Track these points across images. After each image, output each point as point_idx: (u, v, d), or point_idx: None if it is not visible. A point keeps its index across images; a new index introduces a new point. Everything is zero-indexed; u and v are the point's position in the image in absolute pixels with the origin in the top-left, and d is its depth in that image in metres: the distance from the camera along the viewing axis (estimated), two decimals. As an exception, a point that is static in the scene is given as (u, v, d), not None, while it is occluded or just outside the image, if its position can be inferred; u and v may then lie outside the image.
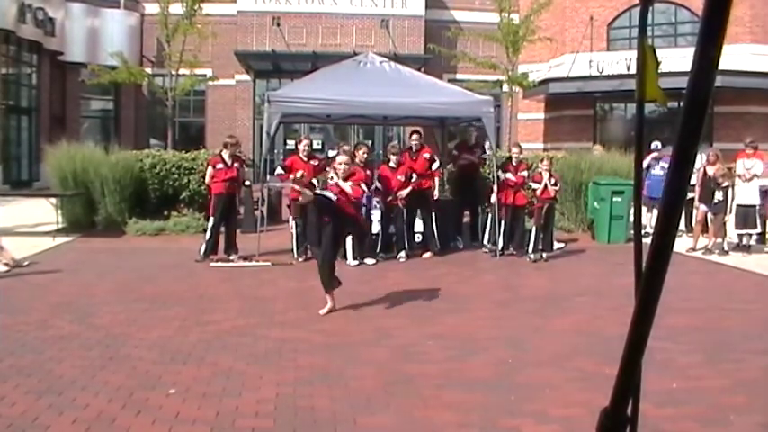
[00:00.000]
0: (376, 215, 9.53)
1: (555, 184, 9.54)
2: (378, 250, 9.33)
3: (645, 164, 11.43)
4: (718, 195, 10.09)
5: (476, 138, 10.93)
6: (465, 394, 4.19)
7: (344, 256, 8.88)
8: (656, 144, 12.06)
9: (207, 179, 9.10)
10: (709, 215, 10.29)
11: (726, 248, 10.20)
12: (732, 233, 10.56)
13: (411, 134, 10.78)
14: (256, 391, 4.17)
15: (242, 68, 22.44)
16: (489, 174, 10.23)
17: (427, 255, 9.55)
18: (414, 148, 9.90)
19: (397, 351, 5.10)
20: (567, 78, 21.40)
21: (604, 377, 3.93)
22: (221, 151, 9.16)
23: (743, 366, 4.85)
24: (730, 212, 10.24)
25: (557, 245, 10.15)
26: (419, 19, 22.85)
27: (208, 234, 8.93)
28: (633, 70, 0.73)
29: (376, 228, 9.51)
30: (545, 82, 21.01)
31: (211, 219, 8.93)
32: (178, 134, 19.44)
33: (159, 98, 18.43)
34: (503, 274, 8.73)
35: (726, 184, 10.07)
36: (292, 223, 9.33)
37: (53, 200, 11.12)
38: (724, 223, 10.21)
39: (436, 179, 9.93)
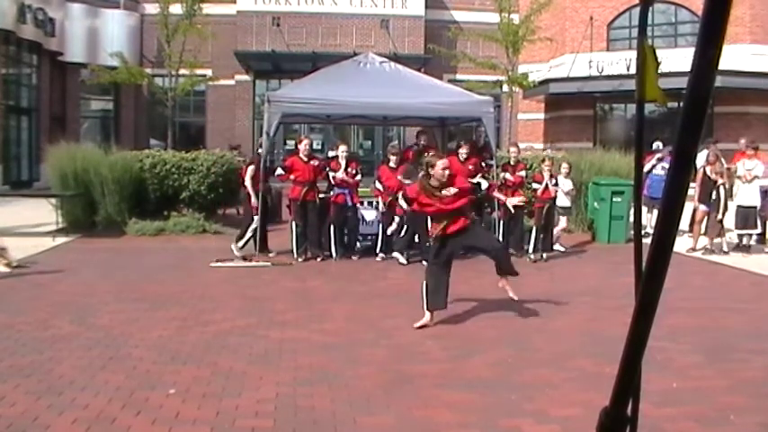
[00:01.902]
0: (374, 215, 9.54)
1: (556, 184, 9.56)
2: (378, 250, 9.33)
3: (647, 167, 11.36)
4: (714, 194, 10.11)
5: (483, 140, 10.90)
6: (465, 394, 4.19)
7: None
8: (657, 144, 12.04)
9: (248, 182, 9.24)
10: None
11: (725, 249, 10.20)
12: (732, 233, 10.56)
13: (418, 134, 10.76)
14: (256, 391, 4.17)
15: (242, 68, 22.44)
16: (490, 175, 10.20)
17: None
18: (421, 148, 9.95)
19: (397, 351, 5.10)
20: (567, 78, 21.41)
21: (604, 377, 3.94)
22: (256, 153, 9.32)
23: (743, 366, 4.85)
24: (726, 211, 10.22)
25: (559, 247, 10.14)
26: (419, 19, 22.86)
27: (250, 233, 9.19)
28: (633, 70, 0.73)
29: (375, 228, 9.52)
30: (545, 82, 21.01)
31: (255, 218, 9.20)
32: (178, 134, 19.43)
33: (159, 98, 18.43)
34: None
35: (721, 182, 10.07)
36: (292, 224, 9.33)
37: (53, 200, 11.13)
38: (720, 222, 10.20)
39: None
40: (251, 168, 9.27)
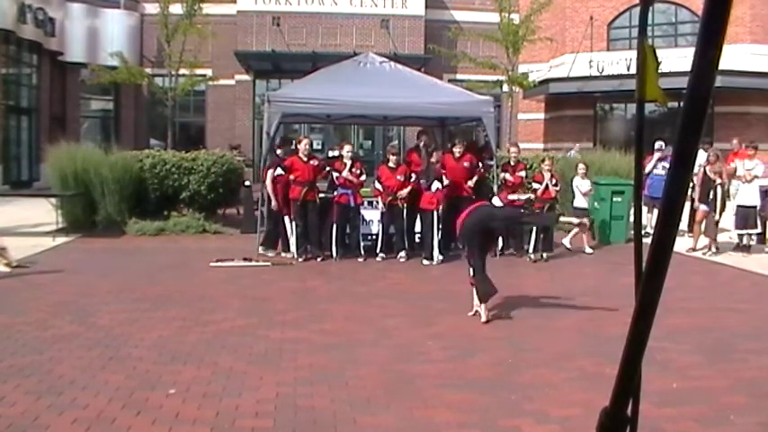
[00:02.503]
0: (374, 215, 9.54)
1: (556, 185, 9.55)
2: (378, 250, 9.33)
3: (648, 167, 11.34)
4: (711, 194, 10.11)
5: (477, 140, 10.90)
6: (465, 394, 4.19)
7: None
8: (660, 144, 12.01)
9: (269, 185, 9.34)
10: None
11: (716, 248, 10.13)
12: (732, 233, 10.56)
13: (419, 134, 10.73)
14: (256, 391, 4.17)
15: (242, 68, 22.43)
16: (490, 175, 10.19)
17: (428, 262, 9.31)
18: (423, 149, 9.96)
19: (397, 351, 5.09)
20: (567, 78, 21.40)
21: (604, 377, 3.94)
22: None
23: (743, 366, 4.85)
24: (723, 211, 10.22)
25: (567, 244, 10.13)
26: (419, 19, 22.85)
27: (293, 236, 9.31)
28: (633, 70, 0.73)
29: (376, 228, 9.52)
30: (545, 82, 21.00)
31: (286, 219, 9.36)
32: (178, 134, 19.43)
33: (159, 98, 18.43)
34: (503, 274, 8.70)
35: (719, 182, 10.06)
36: (293, 224, 9.30)
37: (53, 200, 11.12)
38: (716, 222, 10.19)
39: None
40: (270, 172, 9.32)
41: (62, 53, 21.61)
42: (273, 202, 9.31)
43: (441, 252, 9.13)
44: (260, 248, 9.27)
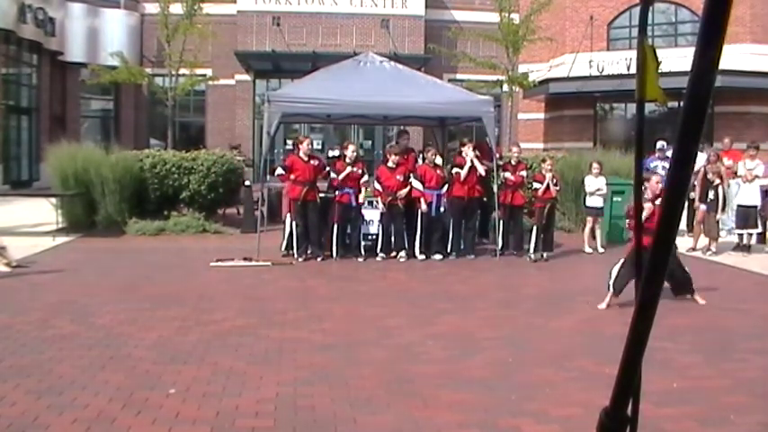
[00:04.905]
0: (374, 215, 9.53)
1: (556, 184, 9.55)
2: (378, 250, 9.33)
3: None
4: (710, 194, 10.11)
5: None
6: (465, 394, 4.19)
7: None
8: (661, 144, 12.01)
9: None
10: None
11: (714, 250, 10.13)
12: (730, 233, 10.56)
13: (400, 134, 10.76)
14: (256, 391, 4.17)
15: (242, 68, 22.43)
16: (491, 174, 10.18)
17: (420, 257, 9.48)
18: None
19: (397, 351, 5.09)
20: (567, 78, 21.38)
21: (604, 377, 3.94)
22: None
23: (743, 366, 4.85)
24: (722, 211, 10.22)
25: (595, 249, 10.22)
26: (419, 19, 22.84)
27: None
28: (633, 70, 0.73)
29: (376, 228, 9.52)
30: (545, 82, 20.98)
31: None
32: (178, 134, 19.42)
33: (159, 98, 18.43)
34: (503, 274, 8.72)
35: (717, 182, 10.07)
36: (293, 223, 9.29)
37: (53, 200, 11.12)
38: (717, 222, 10.18)
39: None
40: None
41: (62, 53, 21.61)
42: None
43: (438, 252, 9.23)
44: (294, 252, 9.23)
